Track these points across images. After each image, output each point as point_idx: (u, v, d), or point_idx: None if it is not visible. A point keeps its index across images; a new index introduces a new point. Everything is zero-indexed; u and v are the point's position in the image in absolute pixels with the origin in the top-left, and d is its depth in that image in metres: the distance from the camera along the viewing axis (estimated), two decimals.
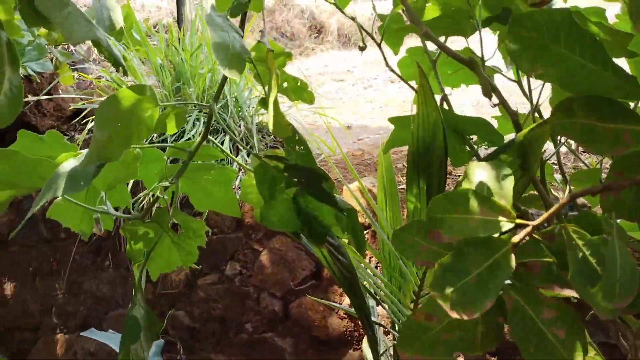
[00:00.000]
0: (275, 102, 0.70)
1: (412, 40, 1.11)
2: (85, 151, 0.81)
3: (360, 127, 3.03)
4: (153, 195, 0.98)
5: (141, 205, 1.98)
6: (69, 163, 0.81)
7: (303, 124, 2.42)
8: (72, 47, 2.84)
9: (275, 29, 6.40)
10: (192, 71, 2.19)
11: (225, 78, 0.84)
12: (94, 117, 2.32)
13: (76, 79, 2.66)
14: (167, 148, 0.94)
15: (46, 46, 2.38)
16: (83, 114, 2.28)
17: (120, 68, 0.69)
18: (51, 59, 2.47)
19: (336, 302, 1.90)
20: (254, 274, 2.00)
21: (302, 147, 0.85)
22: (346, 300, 1.87)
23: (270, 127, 0.70)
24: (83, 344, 2.24)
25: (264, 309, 1.96)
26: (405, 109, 3.69)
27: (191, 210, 1.74)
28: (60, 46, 2.61)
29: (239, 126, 2.19)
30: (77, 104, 2.41)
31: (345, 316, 1.87)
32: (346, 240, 0.99)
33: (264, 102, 0.87)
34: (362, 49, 1.02)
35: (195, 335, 2.07)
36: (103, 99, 2.30)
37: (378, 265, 1.76)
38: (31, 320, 2.38)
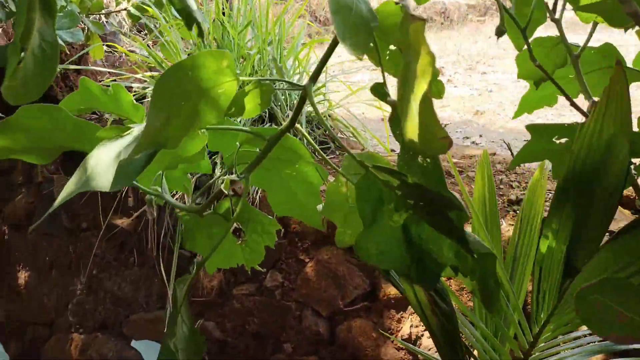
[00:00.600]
0: (426, 100, 0.44)
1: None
2: (134, 129, 0.57)
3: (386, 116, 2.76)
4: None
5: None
6: (110, 147, 0.58)
7: (355, 115, 2.15)
8: (103, 18, 2.61)
9: (309, 12, 6.18)
10: (239, 51, 1.93)
11: (329, 52, 0.59)
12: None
13: (105, 51, 2.43)
14: (240, 133, 0.70)
15: (78, 14, 2.14)
16: None
17: (195, 26, 0.44)
18: (82, 29, 2.23)
19: (393, 329, 1.64)
20: (297, 288, 1.75)
21: (429, 161, 0.59)
22: (405, 328, 1.61)
23: (410, 135, 0.44)
24: (100, 347, 2.02)
25: (307, 328, 1.71)
26: (444, 103, 3.40)
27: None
28: (92, 16, 2.38)
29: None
30: (106, 80, 2.17)
31: (403, 347, 1.61)
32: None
33: (378, 92, 0.61)
34: (500, 33, 0.75)
35: (226, 350, 1.83)
36: (138, 75, 2.05)
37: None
38: (45, 316, 2.17)
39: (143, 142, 0.52)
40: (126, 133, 0.59)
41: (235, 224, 0.93)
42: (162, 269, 1.84)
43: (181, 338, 0.64)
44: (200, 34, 0.45)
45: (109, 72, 2.28)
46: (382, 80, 0.63)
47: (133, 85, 2.01)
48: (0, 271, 2.35)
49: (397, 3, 0.46)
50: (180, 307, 0.67)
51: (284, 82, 0.57)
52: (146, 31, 2.76)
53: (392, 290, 1.64)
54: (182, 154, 0.70)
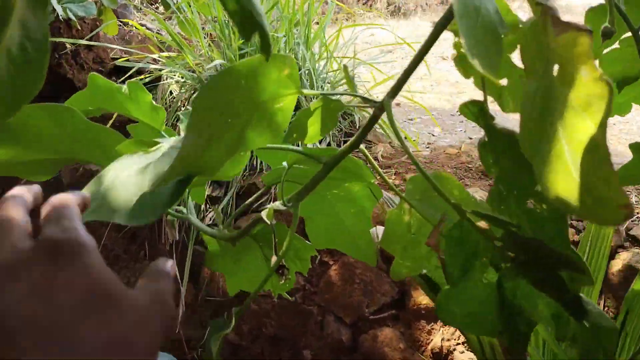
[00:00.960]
0: (598, 151, 0.30)
1: None
2: (162, 144, 0.45)
3: (411, 107, 2.61)
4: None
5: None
6: (132, 166, 0.45)
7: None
8: None
9: None
10: None
11: (413, 67, 0.46)
12: (145, 77, 1.94)
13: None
14: (289, 152, 0.58)
15: None
16: (129, 73, 1.91)
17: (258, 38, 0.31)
18: (95, 2, 2.09)
19: (422, 341, 1.52)
20: (319, 292, 1.63)
21: (546, 208, 0.46)
22: (435, 341, 1.50)
23: (561, 192, 0.32)
24: None
25: (329, 335, 1.60)
26: (458, 90, 3.24)
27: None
28: None
29: None
30: (120, 60, 2.03)
31: None
32: None
33: (469, 110, 0.49)
34: (608, 34, 0.61)
35: (240, 353, 1.72)
36: (155, 55, 1.91)
37: None
38: None
39: (176, 166, 0.39)
40: (153, 149, 0.46)
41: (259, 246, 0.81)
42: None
43: None
44: (265, 47, 0.31)
45: (119, 49, 2.13)
46: (477, 97, 0.50)
47: (151, 65, 1.87)
48: None
49: (537, 3, 0.32)
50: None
51: (356, 97, 0.45)
52: (159, 3, 2.61)
53: (423, 300, 1.52)
54: (217, 177, 0.58)
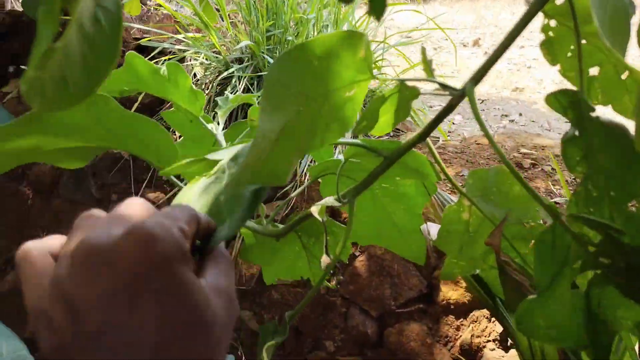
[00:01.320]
0: None
1: None
2: (226, 151, 0.40)
3: (431, 95, 2.54)
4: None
5: None
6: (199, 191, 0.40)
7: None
8: None
9: None
10: (292, 14, 1.73)
11: (499, 53, 0.41)
12: (168, 59, 1.89)
13: None
14: (347, 146, 0.54)
15: None
16: (152, 54, 1.86)
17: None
18: None
19: (450, 337, 1.48)
20: (343, 283, 1.59)
21: None
22: (464, 337, 1.45)
23: None
24: None
25: (353, 328, 1.56)
26: (490, 81, 3.17)
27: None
28: None
29: None
30: (144, 40, 1.98)
31: (461, 357, 1.45)
32: None
33: (558, 102, 0.43)
34: None
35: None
36: (180, 36, 1.86)
37: None
38: None
39: (245, 167, 0.34)
40: (214, 171, 0.40)
41: (299, 237, 0.77)
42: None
43: None
44: (378, 4, 0.26)
45: (138, 29, 2.08)
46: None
47: (175, 46, 1.82)
48: (22, 235, 2.23)
49: None
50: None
51: (436, 84, 0.40)
52: None
53: (452, 295, 1.47)
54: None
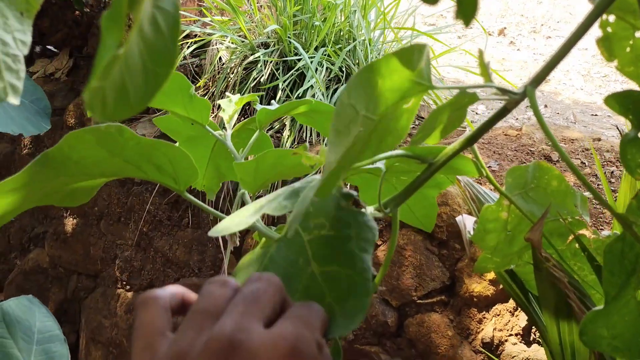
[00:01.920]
0: None
1: None
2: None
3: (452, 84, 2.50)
4: None
5: None
6: None
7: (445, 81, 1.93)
8: None
9: None
10: None
11: (564, 52, 0.39)
12: (193, 41, 1.88)
13: None
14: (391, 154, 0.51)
15: None
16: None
17: None
18: None
19: (472, 330, 1.46)
20: None
21: None
22: (487, 330, 1.43)
23: None
24: None
25: (373, 317, 1.55)
26: (505, 67, 3.11)
27: None
28: None
29: None
30: None
31: (482, 351, 1.43)
32: None
33: (617, 102, 0.42)
34: None
35: None
36: (206, 19, 1.85)
37: None
38: (91, 267, 2.08)
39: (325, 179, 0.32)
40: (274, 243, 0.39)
41: None
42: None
43: None
44: (468, 8, 0.25)
45: None
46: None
47: (200, 30, 1.81)
48: (45, 215, 2.26)
49: None
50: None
51: (493, 89, 0.39)
52: None
53: (475, 287, 1.45)
54: (273, 177, 0.52)
